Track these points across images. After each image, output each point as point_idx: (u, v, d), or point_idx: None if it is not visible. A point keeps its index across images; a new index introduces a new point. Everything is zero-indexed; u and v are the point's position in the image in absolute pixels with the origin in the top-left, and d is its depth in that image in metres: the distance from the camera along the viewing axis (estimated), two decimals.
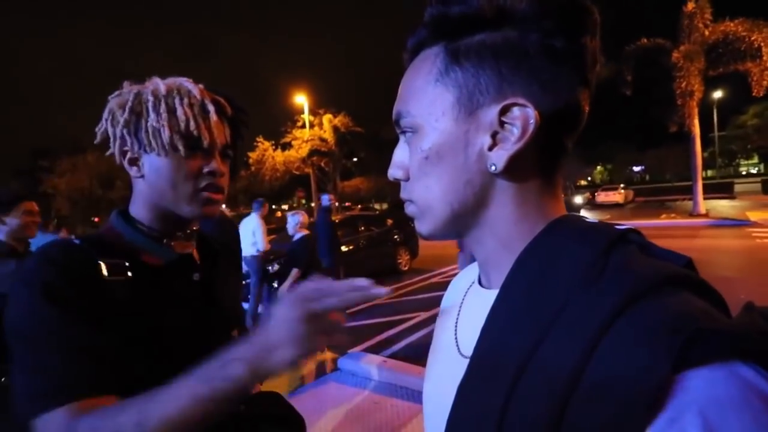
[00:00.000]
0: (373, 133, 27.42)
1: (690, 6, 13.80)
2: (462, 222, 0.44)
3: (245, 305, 5.20)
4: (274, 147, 24.44)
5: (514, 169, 0.40)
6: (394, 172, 0.48)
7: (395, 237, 8.63)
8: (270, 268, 5.81)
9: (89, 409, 0.58)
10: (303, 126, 23.62)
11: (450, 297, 0.59)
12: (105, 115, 0.78)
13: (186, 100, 0.77)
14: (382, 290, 0.49)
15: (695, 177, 15.21)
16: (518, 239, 0.42)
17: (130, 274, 0.72)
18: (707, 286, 0.35)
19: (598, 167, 72.10)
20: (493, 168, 0.40)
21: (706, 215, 14.54)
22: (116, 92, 0.79)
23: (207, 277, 0.86)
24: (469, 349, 0.41)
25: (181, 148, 0.75)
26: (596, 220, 0.42)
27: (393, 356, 4.01)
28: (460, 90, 0.41)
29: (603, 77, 13.84)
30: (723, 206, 18.08)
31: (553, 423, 0.30)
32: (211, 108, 0.79)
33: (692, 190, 15.46)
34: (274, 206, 55.24)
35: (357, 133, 24.71)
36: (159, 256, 0.79)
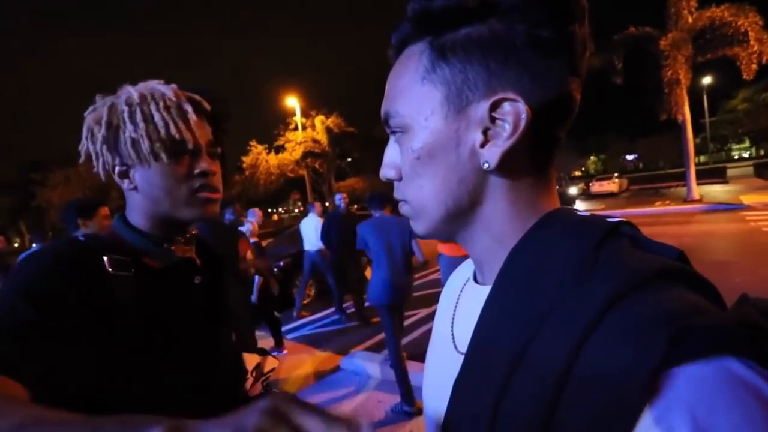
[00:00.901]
0: (366, 133, 27.38)
1: None
2: (457, 220, 0.43)
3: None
4: (267, 150, 24.37)
5: (507, 165, 0.39)
6: (386, 173, 0.47)
7: None
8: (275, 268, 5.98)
9: None
10: (295, 128, 23.58)
11: (447, 293, 0.59)
12: (84, 133, 0.76)
13: (161, 104, 0.74)
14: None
15: (688, 163, 15.31)
16: (512, 236, 0.41)
17: (133, 271, 0.72)
18: (700, 278, 0.34)
19: (592, 157, 72.41)
20: (486, 165, 0.39)
21: (700, 201, 14.65)
22: (90, 107, 0.77)
23: (208, 280, 0.86)
24: (464, 345, 0.41)
25: (163, 155, 0.73)
26: (588, 213, 0.41)
27: None
28: (448, 87, 0.40)
29: (593, 67, 13.92)
30: (716, 191, 18.20)
31: (544, 419, 0.30)
32: (188, 108, 0.76)
33: (685, 177, 15.56)
34: (270, 209, 55.10)
35: (350, 134, 24.65)
36: (161, 259, 0.79)
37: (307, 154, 23.49)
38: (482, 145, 0.39)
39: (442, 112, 0.40)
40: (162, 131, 0.73)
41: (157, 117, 0.73)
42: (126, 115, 0.72)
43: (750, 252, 6.59)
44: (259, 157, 24.06)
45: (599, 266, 0.34)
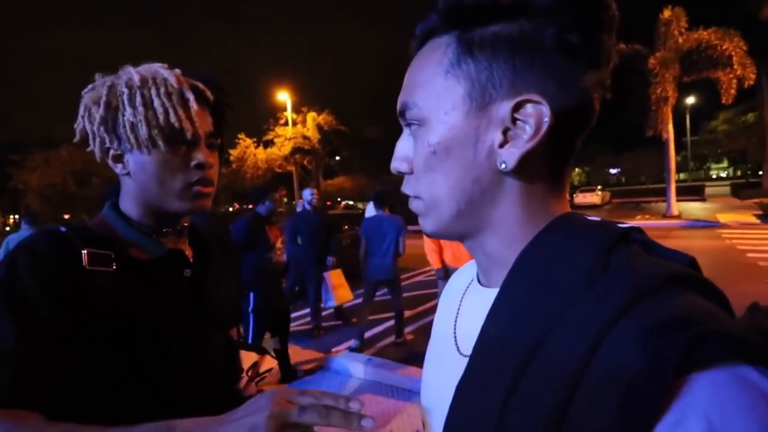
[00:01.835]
0: (356, 132, 27.32)
1: (666, 13, 14.22)
2: (467, 220, 0.43)
3: None
4: (256, 144, 24.11)
5: (523, 168, 0.39)
6: (398, 165, 0.46)
7: None
8: None
9: None
10: (286, 124, 23.38)
11: (448, 295, 0.58)
12: (81, 111, 0.73)
13: (162, 90, 0.71)
14: (369, 423, 0.47)
15: (668, 180, 15.70)
16: (521, 239, 0.41)
17: (114, 266, 0.70)
18: (711, 285, 0.34)
19: (577, 169, 73.55)
20: (503, 166, 0.39)
21: (678, 217, 15.03)
22: (89, 86, 0.74)
23: (199, 274, 0.82)
24: (468, 347, 0.40)
25: (161, 143, 0.70)
26: (598, 219, 0.41)
27: (377, 354, 4.02)
28: (471, 83, 0.39)
29: None
30: (694, 208, 18.67)
31: (556, 420, 0.30)
32: (190, 96, 0.73)
33: (666, 193, 15.95)
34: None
35: (341, 132, 24.58)
36: (149, 250, 0.76)
37: (296, 150, 23.32)
38: (501, 146, 0.39)
39: (463, 108, 0.39)
40: (161, 118, 0.70)
41: (156, 102, 0.70)
42: (126, 97, 0.70)
43: (725, 268, 6.83)
44: (247, 150, 23.79)
45: (611, 270, 0.34)
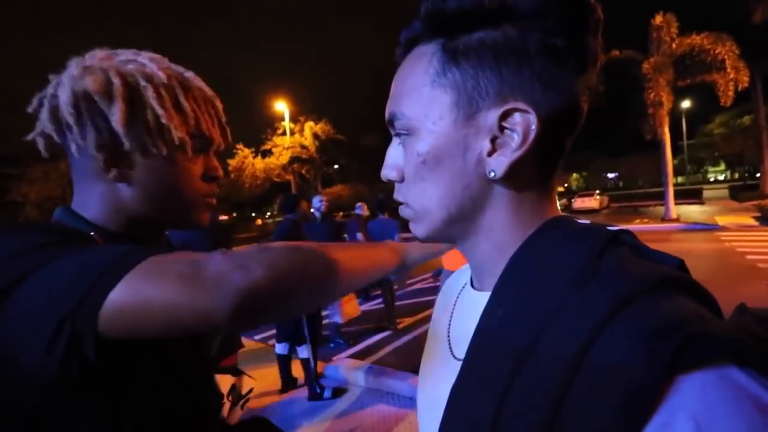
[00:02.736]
0: (353, 141, 27.44)
1: (658, 19, 14.38)
2: (458, 226, 0.43)
3: None
4: (254, 154, 24.21)
5: (513, 175, 0.39)
6: (388, 173, 0.46)
7: None
8: None
9: None
10: (284, 133, 23.49)
11: (442, 300, 0.58)
12: (65, 98, 0.57)
13: (191, 93, 0.66)
14: None
15: (666, 183, 15.74)
16: (512, 243, 0.41)
17: None
18: (700, 288, 0.34)
19: (574, 174, 73.91)
20: (492, 174, 0.39)
21: (677, 220, 15.03)
22: (78, 67, 0.59)
23: None
24: (462, 351, 0.40)
25: (189, 150, 0.64)
26: (588, 222, 0.41)
27: (378, 362, 3.99)
28: (458, 92, 0.39)
29: None
30: (693, 211, 18.70)
31: (546, 424, 0.30)
32: (219, 105, 0.70)
33: (664, 196, 15.96)
34: (254, 214, 54.48)
35: (338, 141, 24.71)
36: None
37: (294, 160, 23.43)
38: (489, 154, 0.39)
39: (450, 117, 0.39)
40: (192, 122, 0.64)
41: (185, 105, 0.63)
42: (151, 94, 0.60)
43: (726, 270, 6.79)
44: (245, 160, 23.88)
45: (603, 272, 0.34)
